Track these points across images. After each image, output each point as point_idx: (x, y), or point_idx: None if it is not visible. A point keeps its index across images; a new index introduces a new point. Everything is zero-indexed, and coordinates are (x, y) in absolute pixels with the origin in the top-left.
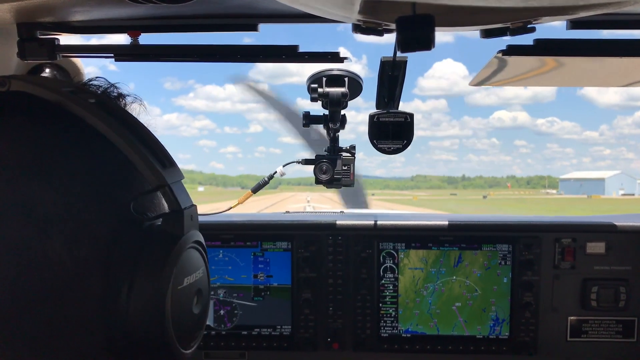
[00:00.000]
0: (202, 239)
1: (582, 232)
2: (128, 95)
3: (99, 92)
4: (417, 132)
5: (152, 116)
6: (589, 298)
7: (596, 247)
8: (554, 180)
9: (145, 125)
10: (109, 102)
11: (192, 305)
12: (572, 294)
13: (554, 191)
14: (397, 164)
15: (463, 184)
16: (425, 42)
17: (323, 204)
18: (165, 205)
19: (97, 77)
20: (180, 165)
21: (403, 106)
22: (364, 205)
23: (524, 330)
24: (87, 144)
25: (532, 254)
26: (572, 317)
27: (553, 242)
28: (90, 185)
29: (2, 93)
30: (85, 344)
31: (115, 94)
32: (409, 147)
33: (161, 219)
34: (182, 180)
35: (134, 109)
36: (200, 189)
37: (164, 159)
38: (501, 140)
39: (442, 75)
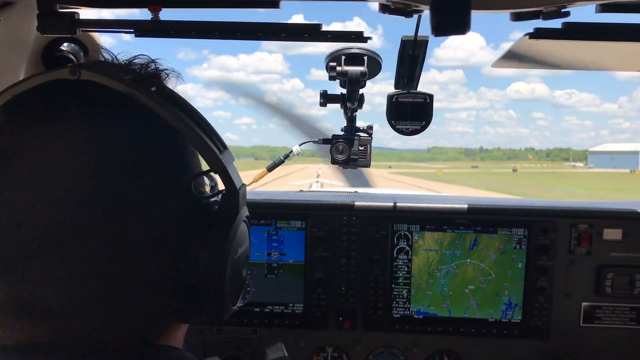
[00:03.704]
0: (248, 213)
1: (599, 219)
2: (166, 69)
3: (141, 69)
4: (434, 105)
5: (188, 88)
6: (603, 284)
7: (613, 234)
8: (576, 153)
9: (186, 98)
10: (166, 88)
11: (242, 270)
12: (586, 279)
13: (581, 164)
14: (413, 136)
15: (481, 155)
16: (461, 26)
17: (334, 180)
18: (208, 180)
19: (139, 55)
20: None
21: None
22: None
23: (537, 315)
24: (156, 133)
25: (548, 238)
26: (585, 303)
27: (569, 227)
28: (160, 171)
29: (74, 82)
30: (154, 287)
31: (152, 69)
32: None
33: (219, 196)
34: None
35: (171, 81)
36: None
37: (219, 144)
38: (518, 112)
39: (458, 46)
